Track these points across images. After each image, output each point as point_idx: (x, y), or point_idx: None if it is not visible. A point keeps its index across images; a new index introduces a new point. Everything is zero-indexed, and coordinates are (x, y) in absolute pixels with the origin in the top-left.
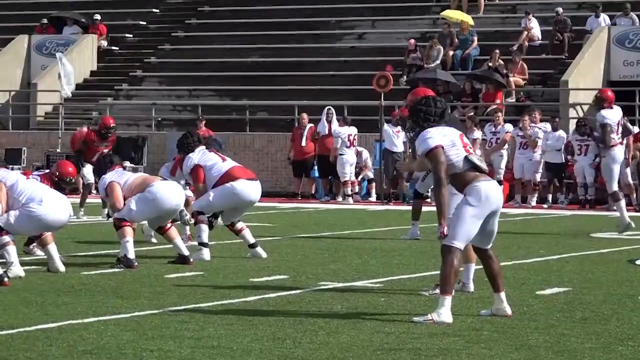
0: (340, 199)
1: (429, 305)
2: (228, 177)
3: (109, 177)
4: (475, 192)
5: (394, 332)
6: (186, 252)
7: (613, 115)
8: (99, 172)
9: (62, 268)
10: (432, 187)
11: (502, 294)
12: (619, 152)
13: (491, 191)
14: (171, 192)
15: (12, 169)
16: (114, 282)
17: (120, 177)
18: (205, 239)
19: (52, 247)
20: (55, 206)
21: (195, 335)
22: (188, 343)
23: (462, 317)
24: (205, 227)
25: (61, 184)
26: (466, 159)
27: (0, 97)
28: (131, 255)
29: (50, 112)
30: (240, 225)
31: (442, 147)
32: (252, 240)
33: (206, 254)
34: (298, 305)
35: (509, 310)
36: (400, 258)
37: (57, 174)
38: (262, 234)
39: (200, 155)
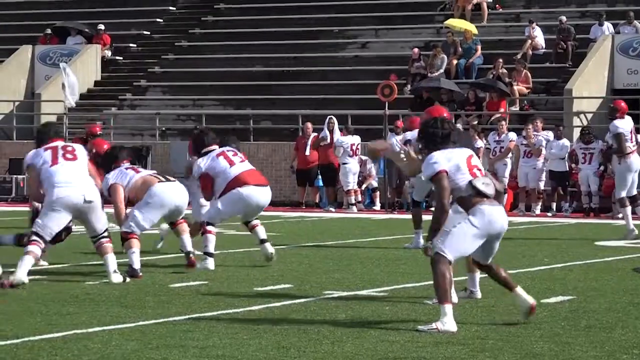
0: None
1: (434, 314)
2: (235, 182)
3: (112, 178)
4: (479, 214)
5: (398, 340)
6: (190, 249)
7: (625, 124)
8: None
9: (115, 279)
10: (427, 193)
11: (518, 289)
12: (635, 160)
13: (496, 215)
14: (172, 192)
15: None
16: (118, 292)
17: (123, 178)
18: (211, 249)
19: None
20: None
21: (200, 345)
22: (193, 352)
23: (467, 326)
24: (212, 238)
25: (108, 160)
26: (470, 183)
27: (5, 107)
28: (136, 265)
29: (55, 122)
30: (254, 221)
31: (446, 172)
32: (263, 236)
33: (211, 263)
34: (302, 314)
35: (531, 300)
36: (404, 267)
37: (97, 152)
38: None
39: (209, 162)
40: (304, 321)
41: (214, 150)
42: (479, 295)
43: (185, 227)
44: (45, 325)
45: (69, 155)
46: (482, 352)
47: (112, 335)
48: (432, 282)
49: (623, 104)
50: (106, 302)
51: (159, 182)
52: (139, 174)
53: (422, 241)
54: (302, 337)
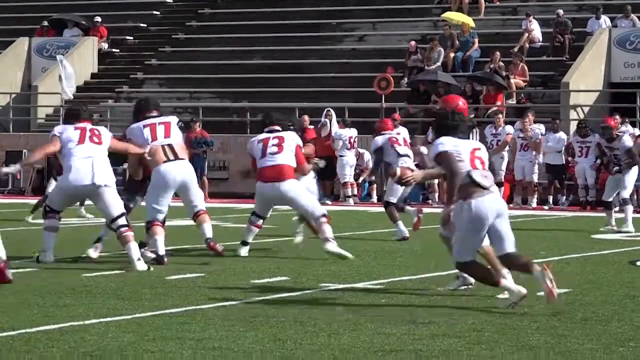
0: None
1: (430, 305)
2: (258, 176)
3: (134, 130)
4: (466, 210)
5: (395, 333)
6: (209, 235)
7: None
8: None
9: (140, 267)
10: (400, 193)
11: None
12: None
13: (482, 208)
14: (175, 171)
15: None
16: (114, 284)
17: (142, 139)
18: (249, 238)
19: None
20: None
21: (196, 337)
22: (189, 344)
23: (463, 318)
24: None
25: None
26: (468, 174)
27: (1, 99)
28: (161, 252)
29: (51, 114)
30: (202, 215)
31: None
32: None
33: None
34: (299, 307)
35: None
36: (401, 259)
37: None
38: (262, 236)
39: (253, 146)
40: (300, 313)
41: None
42: (472, 280)
43: (205, 218)
44: (41, 317)
45: (95, 139)
46: (478, 345)
47: (108, 327)
48: (428, 275)
49: (613, 122)
50: (103, 294)
51: (164, 161)
52: (154, 142)
53: (404, 229)
54: (299, 329)
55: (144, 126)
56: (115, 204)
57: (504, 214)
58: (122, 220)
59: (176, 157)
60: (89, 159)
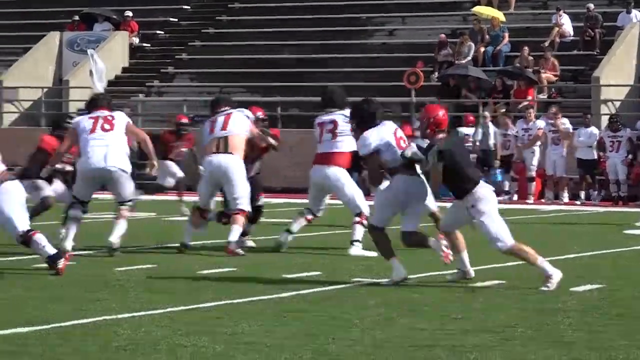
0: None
1: (462, 300)
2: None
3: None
4: (395, 183)
5: (427, 328)
6: (232, 239)
7: None
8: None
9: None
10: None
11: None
12: None
13: (410, 184)
14: (217, 164)
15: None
16: (147, 278)
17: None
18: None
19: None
20: None
21: (229, 331)
22: (222, 339)
23: (495, 314)
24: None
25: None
26: (401, 154)
27: (33, 93)
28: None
29: (83, 108)
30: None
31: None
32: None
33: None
34: (332, 302)
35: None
36: (432, 255)
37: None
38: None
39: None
40: (333, 308)
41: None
42: (472, 273)
43: (236, 219)
44: (75, 311)
45: (106, 126)
46: (511, 340)
47: (141, 321)
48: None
49: None
50: (135, 288)
51: (212, 152)
52: (212, 134)
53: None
54: (332, 324)
55: (210, 121)
56: (127, 188)
57: (424, 197)
58: (129, 204)
59: (225, 151)
60: (103, 146)
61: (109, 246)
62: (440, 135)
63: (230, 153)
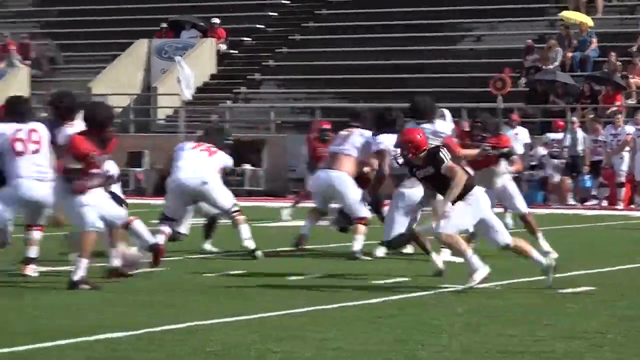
0: None
1: (549, 306)
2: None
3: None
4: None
5: (516, 335)
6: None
7: None
8: None
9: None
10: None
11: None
12: None
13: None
14: (321, 179)
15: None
16: (237, 284)
17: None
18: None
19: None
20: None
21: (319, 337)
22: (312, 344)
23: (586, 320)
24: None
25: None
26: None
27: (122, 100)
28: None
29: (172, 115)
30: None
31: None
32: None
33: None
34: (419, 308)
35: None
36: (517, 260)
37: None
38: (377, 237)
39: None
40: (421, 314)
41: None
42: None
43: (357, 228)
44: (166, 316)
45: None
46: (602, 347)
47: (232, 326)
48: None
49: None
50: (225, 294)
51: (321, 168)
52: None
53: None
54: (421, 330)
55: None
56: (224, 197)
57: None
58: (234, 207)
59: (330, 167)
60: (194, 161)
61: (247, 251)
62: (421, 155)
63: (334, 169)
